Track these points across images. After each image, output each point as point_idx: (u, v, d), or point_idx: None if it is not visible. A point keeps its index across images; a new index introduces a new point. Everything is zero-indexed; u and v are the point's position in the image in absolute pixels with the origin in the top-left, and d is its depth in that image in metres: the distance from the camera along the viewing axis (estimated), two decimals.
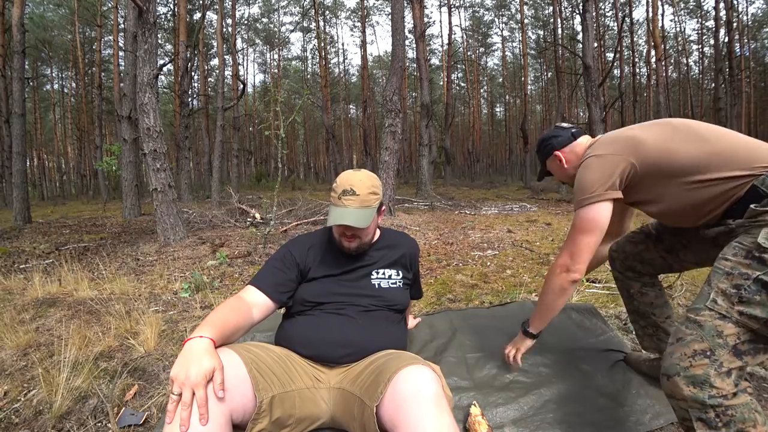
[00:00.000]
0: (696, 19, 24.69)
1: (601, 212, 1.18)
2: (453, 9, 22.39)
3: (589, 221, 1.19)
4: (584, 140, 1.43)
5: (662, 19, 16.12)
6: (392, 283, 1.36)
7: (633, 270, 1.50)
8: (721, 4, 12.56)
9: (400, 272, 1.39)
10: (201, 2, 16.07)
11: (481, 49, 30.83)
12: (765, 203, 1.00)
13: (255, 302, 1.20)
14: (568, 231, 1.27)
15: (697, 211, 1.13)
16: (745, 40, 22.16)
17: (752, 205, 1.01)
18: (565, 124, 1.49)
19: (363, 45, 22.73)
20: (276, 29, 28.57)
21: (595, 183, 1.18)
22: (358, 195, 1.23)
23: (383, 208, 1.37)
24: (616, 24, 18.48)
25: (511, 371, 1.58)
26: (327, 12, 26.30)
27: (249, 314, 1.15)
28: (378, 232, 1.44)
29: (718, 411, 0.90)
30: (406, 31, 9.86)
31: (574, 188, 1.25)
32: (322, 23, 23.94)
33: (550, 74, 26.78)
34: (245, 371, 0.98)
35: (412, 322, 1.90)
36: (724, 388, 0.90)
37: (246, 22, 26.13)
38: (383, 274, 1.36)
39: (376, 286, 1.32)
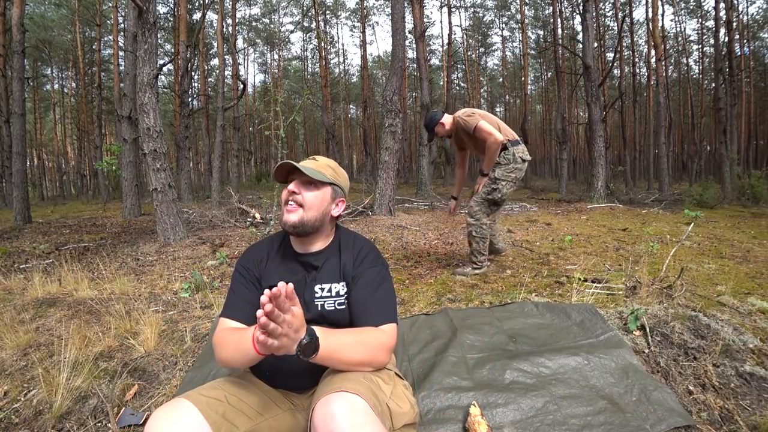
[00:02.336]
0: (696, 19, 24.67)
1: (486, 125, 2.86)
2: (453, 9, 22.39)
3: (487, 127, 2.85)
4: (448, 117, 3.19)
5: (662, 19, 16.09)
6: (339, 304, 1.18)
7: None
8: (721, 4, 12.54)
9: (346, 287, 1.21)
10: (201, 2, 16.07)
11: (481, 49, 30.82)
12: (502, 155, 2.95)
13: None
14: (484, 139, 2.88)
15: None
16: (745, 40, 22.15)
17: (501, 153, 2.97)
18: (434, 110, 3.30)
19: (363, 45, 22.71)
20: (276, 29, 28.56)
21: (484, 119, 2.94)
22: (316, 161, 1.24)
23: (342, 200, 1.28)
24: (616, 24, 18.48)
25: (512, 371, 1.58)
26: (327, 12, 26.30)
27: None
28: (333, 232, 1.30)
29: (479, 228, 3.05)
30: (406, 31, 9.85)
31: (479, 127, 2.85)
32: (322, 23, 23.94)
33: (550, 74, 26.76)
34: (202, 419, 0.93)
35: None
36: (484, 221, 3.05)
37: (246, 22, 26.14)
38: (328, 291, 1.19)
39: (319, 308, 1.17)
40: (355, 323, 1.14)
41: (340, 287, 1.19)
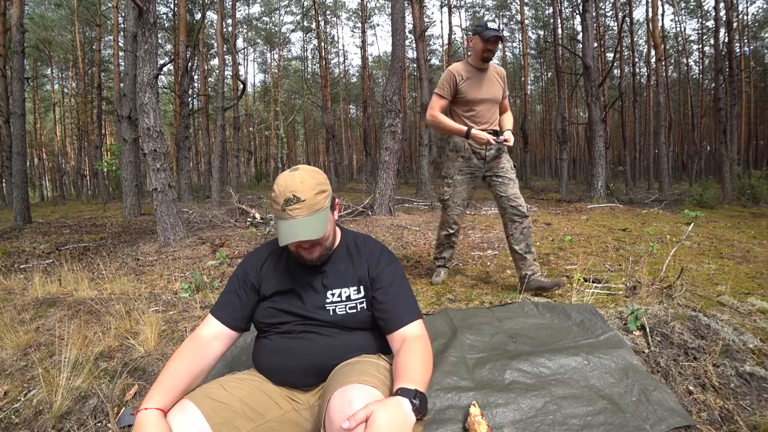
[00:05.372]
0: (696, 19, 24.71)
1: None
2: (453, 9, 22.41)
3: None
4: None
5: (662, 19, 16.10)
6: (350, 308, 1.17)
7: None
8: (721, 4, 12.52)
9: (361, 289, 1.19)
10: (201, 2, 16.07)
11: None
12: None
13: (216, 334, 1.16)
14: (507, 109, 2.89)
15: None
16: (745, 40, 22.16)
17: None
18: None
19: (363, 45, 22.74)
20: (276, 29, 28.56)
21: None
22: (303, 201, 1.06)
23: (336, 201, 1.22)
24: (616, 24, 18.50)
25: (512, 371, 1.58)
26: (328, 12, 26.30)
27: (207, 355, 1.12)
28: (338, 234, 1.27)
29: None
30: (406, 31, 9.86)
31: (507, 98, 2.78)
32: (322, 23, 23.94)
33: (550, 74, 26.80)
34: (204, 422, 0.95)
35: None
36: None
37: (246, 21, 26.14)
38: (339, 296, 1.17)
39: (331, 313, 1.16)
40: (384, 323, 1.14)
41: (351, 291, 1.18)
